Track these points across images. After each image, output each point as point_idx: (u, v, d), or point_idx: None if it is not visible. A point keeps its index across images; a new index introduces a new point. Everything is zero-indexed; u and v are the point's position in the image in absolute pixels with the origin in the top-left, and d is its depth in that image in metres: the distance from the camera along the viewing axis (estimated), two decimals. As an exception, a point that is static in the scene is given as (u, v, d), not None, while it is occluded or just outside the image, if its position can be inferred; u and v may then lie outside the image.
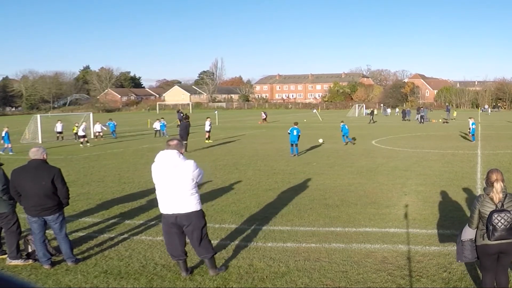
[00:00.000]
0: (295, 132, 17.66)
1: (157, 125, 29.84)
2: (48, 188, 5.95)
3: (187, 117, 22.12)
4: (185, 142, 18.51)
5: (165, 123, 30.35)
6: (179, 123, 35.57)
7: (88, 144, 23.64)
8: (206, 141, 24.21)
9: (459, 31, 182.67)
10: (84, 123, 24.70)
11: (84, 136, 23.82)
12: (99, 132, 28.45)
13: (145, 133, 32.68)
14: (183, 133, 19.47)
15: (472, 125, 22.34)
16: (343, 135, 22.24)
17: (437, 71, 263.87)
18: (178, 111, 43.67)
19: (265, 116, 46.75)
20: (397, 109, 69.58)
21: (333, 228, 7.66)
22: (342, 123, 22.56)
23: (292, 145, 17.83)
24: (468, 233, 4.72)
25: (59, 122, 28.11)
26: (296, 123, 18.33)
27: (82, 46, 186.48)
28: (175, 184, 5.42)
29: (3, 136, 21.33)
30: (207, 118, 26.18)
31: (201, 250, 5.65)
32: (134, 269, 5.97)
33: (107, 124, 29.66)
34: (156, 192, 5.61)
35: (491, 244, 4.57)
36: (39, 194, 5.92)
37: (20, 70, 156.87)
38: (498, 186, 4.54)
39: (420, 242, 6.91)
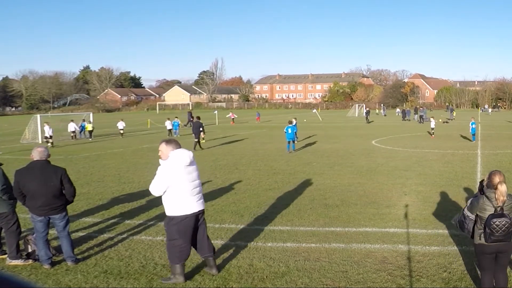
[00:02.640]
0: (289, 130, 18.74)
1: (169, 124, 29.82)
2: (56, 188, 5.99)
3: (198, 117, 22.98)
4: (199, 139, 20.92)
5: (179, 122, 30.41)
6: (190, 124, 37.34)
7: (51, 145, 23.29)
8: (202, 141, 24.53)
9: (459, 31, 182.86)
10: (46, 124, 24.19)
11: (50, 137, 23.66)
12: (121, 129, 29.58)
13: (145, 132, 32.68)
14: (196, 132, 20.93)
15: (471, 124, 22.47)
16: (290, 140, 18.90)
17: (437, 71, 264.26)
18: (188, 112, 44.60)
19: (233, 116, 45.99)
20: (397, 109, 69.20)
21: (333, 228, 7.66)
22: (290, 124, 19.17)
23: (289, 142, 18.84)
24: (468, 213, 4.73)
25: (72, 121, 28.68)
26: (290, 122, 19.35)
27: (82, 46, 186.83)
28: (198, 182, 5.54)
29: None
30: (198, 117, 26.83)
31: (208, 247, 5.69)
32: (134, 269, 5.97)
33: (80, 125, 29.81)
34: (182, 193, 5.33)
35: (488, 244, 4.58)
36: (47, 195, 5.93)
37: (20, 70, 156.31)
38: (503, 188, 4.51)
39: (420, 242, 6.91)
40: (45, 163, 6.07)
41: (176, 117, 32.11)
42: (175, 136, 28.44)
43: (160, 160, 5.51)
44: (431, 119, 27.89)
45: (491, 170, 4.89)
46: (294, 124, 19.52)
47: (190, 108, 79.66)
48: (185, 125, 37.42)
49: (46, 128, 24.01)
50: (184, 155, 5.41)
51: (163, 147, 5.47)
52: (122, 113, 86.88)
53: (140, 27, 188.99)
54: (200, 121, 21.60)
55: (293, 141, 19.09)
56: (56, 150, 21.18)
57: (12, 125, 47.26)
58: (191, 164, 5.44)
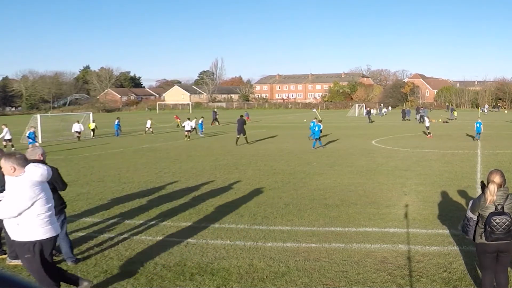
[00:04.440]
0: (316, 128, 20.47)
1: (187, 125, 30.04)
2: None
3: (241, 115, 24.99)
4: (242, 136, 22.42)
5: (203, 122, 30.90)
6: (216, 123, 40.78)
7: (12, 147, 23.13)
8: (185, 138, 26.44)
9: (458, 31, 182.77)
10: (4, 127, 24.06)
11: (9, 140, 23.63)
12: (148, 127, 31.69)
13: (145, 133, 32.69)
14: (240, 128, 22.60)
15: (476, 124, 23.23)
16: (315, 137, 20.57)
17: (437, 71, 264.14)
18: (213, 111, 45.89)
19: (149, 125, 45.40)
20: (384, 109, 68.11)
21: (333, 228, 7.66)
22: (318, 122, 20.95)
23: (315, 139, 20.47)
24: (471, 214, 4.73)
25: (78, 122, 28.73)
26: (320, 121, 21.36)
27: (82, 46, 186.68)
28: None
29: (27, 136, 20.88)
30: (188, 118, 28.59)
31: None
32: (134, 269, 5.98)
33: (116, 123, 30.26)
34: (49, 212, 4.76)
35: (489, 243, 4.57)
36: None
37: (20, 70, 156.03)
38: (491, 188, 4.52)
39: (420, 242, 6.91)
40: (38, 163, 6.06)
41: (202, 117, 32.49)
42: (200, 135, 28.84)
43: (8, 177, 4.65)
44: (426, 118, 28.03)
45: (491, 168, 4.90)
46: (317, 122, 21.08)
47: (190, 108, 79.67)
48: (211, 124, 39.35)
49: (5, 130, 23.58)
50: (44, 170, 4.79)
51: (2, 163, 4.65)
52: (122, 112, 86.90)
53: (140, 27, 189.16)
54: (243, 118, 23.56)
55: (312, 138, 20.67)
56: (57, 150, 21.17)
57: (12, 125, 47.21)
58: (46, 180, 4.85)
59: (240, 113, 36.77)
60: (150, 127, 32.13)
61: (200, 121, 30.23)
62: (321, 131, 20.79)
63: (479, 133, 22.87)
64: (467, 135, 25.81)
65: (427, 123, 26.44)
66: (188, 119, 28.50)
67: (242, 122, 22.93)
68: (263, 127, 38.00)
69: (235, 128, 23.78)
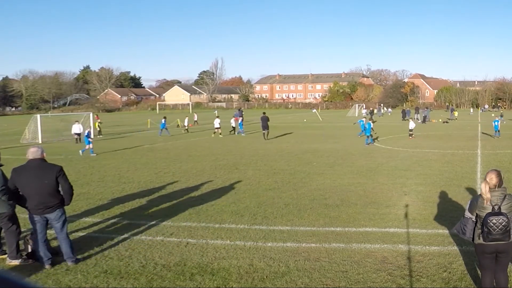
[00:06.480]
0: (366, 126, 21.96)
1: (233, 122, 30.90)
2: (51, 187, 5.97)
3: (264, 112, 27.00)
4: (267, 131, 25.04)
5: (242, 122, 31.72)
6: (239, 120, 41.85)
7: None
8: (219, 135, 27.54)
9: (459, 31, 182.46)
10: None
11: None
12: (185, 125, 32.59)
13: (146, 133, 32.68)
14: (265, 125, 24.91)
15: (494, 122, 24.79)
16: (367, 135, 22.16)
17: (437, 71, 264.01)
18: (239, 109, 46.41)
19: (196, 119, 43.59)
20: (389, 109, 67.71)
21: (333, 228, 7.67)
22: (368, 121, 22.86)
23: (367, 136, 21.89)
24: (469, 214, 4.73)
25: (77, 122, 27.46)
26: (371, 119, 23.55)
27: (82, 46, 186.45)
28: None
29: (86, 135, 20.22)
30: (217, 116, 29.65)
31: None
32: (134, 269, 5.98)
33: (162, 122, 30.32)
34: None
35: (487, 244, 4.58)
36: (42, 193, 5.94)
37: (20, 70, 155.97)
38: (482, 187, 4.58)
39: (420, 242, 6.91)
40: (41, 161, 6.08)
41: (241, 116, 33.60)
42: (242, 134, 28.96)
43: None
44: (410, 120, 27.93)
45: (489, 168, 4.91)
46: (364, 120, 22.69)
47: (190, 108, 79.74)
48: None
49: None
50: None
51: None
52: (122, 113, 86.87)
53: (140, 27, 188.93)
54: (266, 115, 25.36)
55: (368, 136, 21.87)
56: (57, 150, 21.17)
57: (12, 125, 47.26)
58: None
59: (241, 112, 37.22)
60: (188, 125, 33.17)
61: (239, 121, 30.67)
62: (372, 129, 22.20)
63: (498, 131, 24.14)
64: (483, 133, 27.18)
65: (411, 126, 25.36)
66: (218, 117, 28.88)
67: (266, 119, 24.89)
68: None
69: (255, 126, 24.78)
